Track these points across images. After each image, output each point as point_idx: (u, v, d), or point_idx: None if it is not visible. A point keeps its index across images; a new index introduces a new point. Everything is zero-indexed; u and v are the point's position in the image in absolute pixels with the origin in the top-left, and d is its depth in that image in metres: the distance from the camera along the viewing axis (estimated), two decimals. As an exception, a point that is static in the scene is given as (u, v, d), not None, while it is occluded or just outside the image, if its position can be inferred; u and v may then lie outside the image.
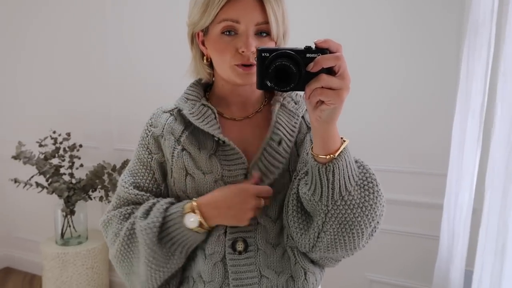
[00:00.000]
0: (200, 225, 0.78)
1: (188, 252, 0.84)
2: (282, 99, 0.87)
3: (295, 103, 0.87)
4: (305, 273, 0.82)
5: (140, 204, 0.86)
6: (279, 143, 0.82)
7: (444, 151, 1.56)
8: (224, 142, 0.82)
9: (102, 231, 0.89)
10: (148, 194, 0.86)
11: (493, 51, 1.23)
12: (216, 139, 0.82)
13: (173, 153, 0.84)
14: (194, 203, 0.79)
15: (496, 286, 1.01)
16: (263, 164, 0.80)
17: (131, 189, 0.86)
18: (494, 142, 1.04)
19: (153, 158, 0.87)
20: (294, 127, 0.84)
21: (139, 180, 0.87)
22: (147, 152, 0.88)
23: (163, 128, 0.87)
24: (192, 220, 0.78)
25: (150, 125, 0.90)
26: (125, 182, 0.88)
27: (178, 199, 0.85)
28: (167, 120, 0.88)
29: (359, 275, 1.90)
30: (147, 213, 0.81)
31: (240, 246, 0.81)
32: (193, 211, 0.78)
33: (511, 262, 0.96)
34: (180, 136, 0.85)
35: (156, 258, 0.79)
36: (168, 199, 0.84)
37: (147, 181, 0.87)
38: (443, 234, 1.48)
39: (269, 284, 0.81)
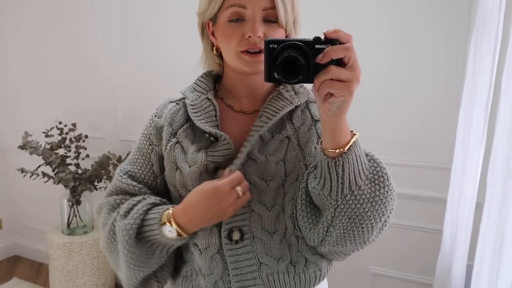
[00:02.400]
0: (179, 234, 0.77)
1: (170, 252, 0.83)
2: (281, 87, 0.85)
3: (295, 93, 0.85)
4: (306, 261, 0.82)
5: (131, 194, 0.85)
6: (259, 117, 0.81)
7: (449, 145, 1.55)
8: (216, 138, 0.81)
9: (96, 217, 0.89)
10: (140, 186, 0.85)
11: (500, 45, 1.21)
12: (207, 135, 0.82)
13: (166, 145, 0.84)
14: (171, 212, 0.77)
15: (494, 280, 1.01)
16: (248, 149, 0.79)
17: (124, 178, 0.85)
18: (496, 137, 1.03)
19: (154, 150, 0.86)
20: (280, 107, 0.82)
21: (136, 170, 0.86)
22: (148, 143, 0.87)
23: (165, 119, 0.86)
24: (170, 231, 0.77)
25: (155, 116, 0.89)
26: (120, 170, 0.87)
27: (170, 193, 0.85)
28: (170, 110, 0.87)
29: (362, 268, 1.90)
30: (127, 212, 0.80)
31: (236, 236, 0.80)
32: (170, 222, 0.77)
33: (509, 257, 0.96)
34: (178, 129, 0.84)
35: (134, 258, 0.79)
36: (152, 199, 0.83)
37: (144, 172, 0.86)
38: (446, 228, 1.48)
39: (269, 271, 0.80)
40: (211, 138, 0.82)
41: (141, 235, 0.79)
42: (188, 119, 0.85)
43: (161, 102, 0.91)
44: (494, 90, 1.25)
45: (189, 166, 0.80)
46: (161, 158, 0.86)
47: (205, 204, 0.74)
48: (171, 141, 0.83)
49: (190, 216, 0.76)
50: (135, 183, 0.85)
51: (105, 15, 2.37)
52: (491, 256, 1.05)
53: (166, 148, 0.83)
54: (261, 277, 0.80)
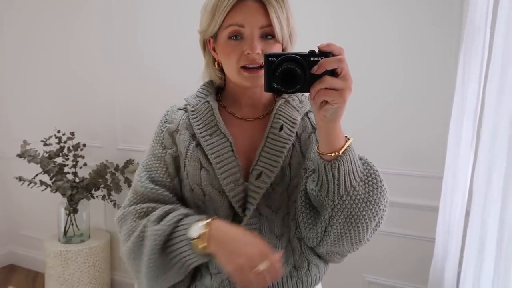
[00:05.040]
0: (201, 241, 0.75)
1: (188, 270, 0.83)
2: (287, 96, 0.91)
3: (300, 102, 0.92)
4: (308, 264, 0.86)
5: (155, 200, 0.87)
6: (280, 129, 0.86)
7: (441, 153, 1.58)
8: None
9: (117, 226, 0.90)
10: (163, 189, 0.88)
11: (487, 56, 1.25)
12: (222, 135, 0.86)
13: (188, 147, 0.87)
14: (210, 220, 0.77)
15: (477, 284, 1.03)
16: (266, 153, 0.84)
17: (147, 183, 0.88)
18: (481, 145, 1.06)
19: (167, 153, 0.90)
20: (295, 118, 0.88)
21: (153, 175, 0.89)
22: (161, 148, 0.91)
23: (179, 124, 0.90)
24: (196, 231, 0.76)
25: (165, 122, 0.93)
26: (141, 177, 0.90)
27: (192, 192, 0.88)
28: (182, 116, 0.92)
29: (358, 277, 1.91)
30: (160, 219, 0.82)
31: None
32: (204, 223, 0.77)
33: (490, 262, 0.98)
34: (195, 132, 0.88)
35: (155, 265, 0.80)
36: (185, 210, 0.84)
37: (161, 174, 0.89)
38: (439, 236, 1.50)
39: None
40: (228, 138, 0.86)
41: (168, 243, 0.79)
42: None
43: (168, 109, 0.96)
44: (481, 101, 1.28)
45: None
46: (175, 160, 0.90)
47: (239, 248, 0.73)
48: (192, 143, 0.87)
49: (223, 240, 0.75)
50: (157, 187, 0.87)
51: (105, 23, 2.41)
52: (474, 261, 1.07)
53: (188, 150, 0.87)
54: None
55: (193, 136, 0.88)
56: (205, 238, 0.75)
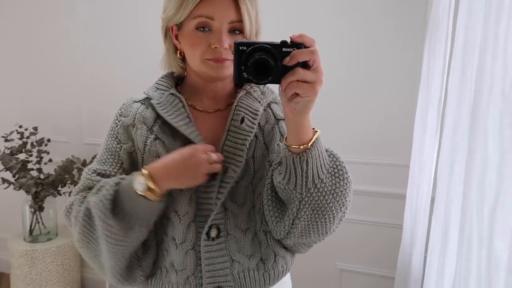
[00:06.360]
0: (150, 189, 0.76)
1: (149, 225, 0.81)
2: (248, 87, 0.90)
3: (261, 93, 0.90)
4: (275, 256, 0.86)
5: None
6: (242, 121, 0.84)
7: (408, 142, 1.62)
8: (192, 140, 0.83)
9: (65, 220, 0.86)
10: None
11: (450, 48, 1.29)
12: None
13: (145, 142, 0.85)
14: (144, 170, 0.78)
15: (441, 268, 1.08)
16: (229, 146, 0.82)
17: (93, 176, 0.85)
18: (444, 135, 1.10)
19: (122, 148, 0.87)
20: (257, 110, 0.86)
21: (105, 168, 0.86)
22: (115, 142, 0.88)
23: (134, 117, 0.87)
24: (140, 183, 0.76)
25: (120, 115, 0.90)
26: (88, 169, 0.87)
27: None
28: (138, 109, 0.88)
29: (330, 265, 1.95)
30: (100, 189, 0.80)
31: (213, 233, 0.83)
32: (142, 175, 0.76)
33: (453, 246, 1.03)
34: (153, 125, 0.85)
35: (112, 232, 0.77)
36: (117, 178, 0.82)
37: (114, 170, 0.86)
38: (406, 223, 1.55)
39: (240, 268, 0.83)
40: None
41: (117, 208, 0.77)
42: (158, 116, 0.87)
43: (124, 102, 0.92)
44: (445, 92, 1.32)
45: None
46: (130, 155, 0.87)
47: (182, 161, 0.77)
48: (150, 137, 0.85)
49: (164, 168, 0.77)
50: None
51: (69, 14, 2.32)
52: (439, 246, 1.11)
53: (145, 145, 0.84)
54: (233, 274, 0.83)
55: (151, 130, 0.85)
56: (153, 189, 0.76)
